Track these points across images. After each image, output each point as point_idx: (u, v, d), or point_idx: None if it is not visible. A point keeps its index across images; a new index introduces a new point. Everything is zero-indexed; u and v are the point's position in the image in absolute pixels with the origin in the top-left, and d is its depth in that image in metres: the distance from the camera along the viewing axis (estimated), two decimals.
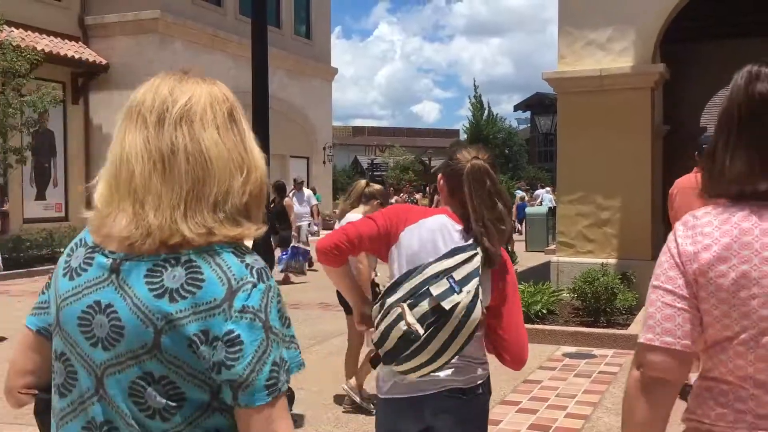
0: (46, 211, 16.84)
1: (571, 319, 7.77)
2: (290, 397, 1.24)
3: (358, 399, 5.13)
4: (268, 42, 6.09)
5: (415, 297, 2.16)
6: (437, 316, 2.12)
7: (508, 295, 2.35)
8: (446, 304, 2.11)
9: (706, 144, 6.54)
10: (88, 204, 1.31)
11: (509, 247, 3.13)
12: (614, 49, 8.70)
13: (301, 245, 12.30)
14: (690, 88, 11.91)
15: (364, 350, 4.93)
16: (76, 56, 17.09)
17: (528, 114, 48.29)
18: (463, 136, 42.78)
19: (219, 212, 1.20)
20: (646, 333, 1.42)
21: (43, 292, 1.38)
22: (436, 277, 2.16)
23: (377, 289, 4.86)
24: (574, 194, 8.92)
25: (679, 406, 1.47)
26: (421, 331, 2.12)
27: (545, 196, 23.87)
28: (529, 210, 20.14)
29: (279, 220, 11.36)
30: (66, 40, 17.41)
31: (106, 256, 1.23)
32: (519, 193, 25.29)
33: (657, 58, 8.83)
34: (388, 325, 2.17)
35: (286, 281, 11.69)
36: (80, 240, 1.30)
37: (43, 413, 1.35)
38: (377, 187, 5.29)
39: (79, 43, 17.81)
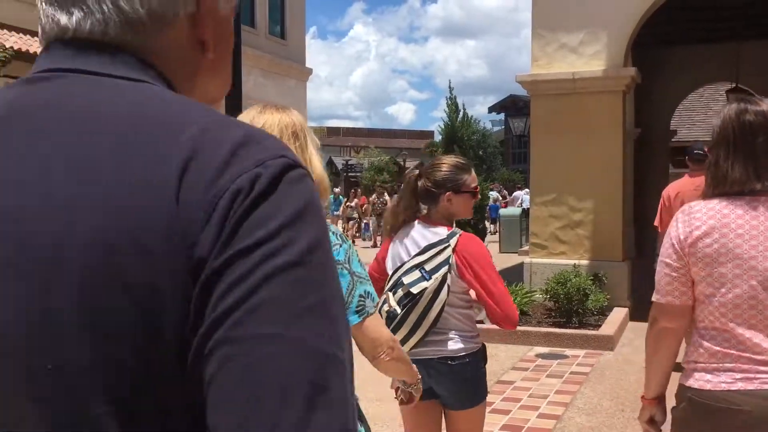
0: None
1: (544, 320, 7.83)
2: None
3: None
4: (242, 42, 6.04)
5: (395, 287, 2.82)
6: (409, 299, 2.76)
7: (478, 272, 2.77)
8: (414, 290, 2.74)
9: (696, 152, 6.68)
10: None
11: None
12: (587, 53, 8.78)
13: None
14: (661, 91, 12.08)
15: None
16: None
17: (502, 116, 48.45)
18: (438, 138, 42.80)
19: None
20: (656, 294, 2.04)
21: None
22: (411, 269, 2.79)
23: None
24: (547, 196, 8.98)
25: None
26: (399, 310, 2.75)
27: (525, 198, 23.96)
28: (502, 211, 20.24)
29: None
30: (36, 37, 17.15)
31: None
32: (493, 194, 25.39)
33: (629, 61, 8.93)
34: (380, 308, 2.77)
35: None
36: None
37: None
38: None
39: None
